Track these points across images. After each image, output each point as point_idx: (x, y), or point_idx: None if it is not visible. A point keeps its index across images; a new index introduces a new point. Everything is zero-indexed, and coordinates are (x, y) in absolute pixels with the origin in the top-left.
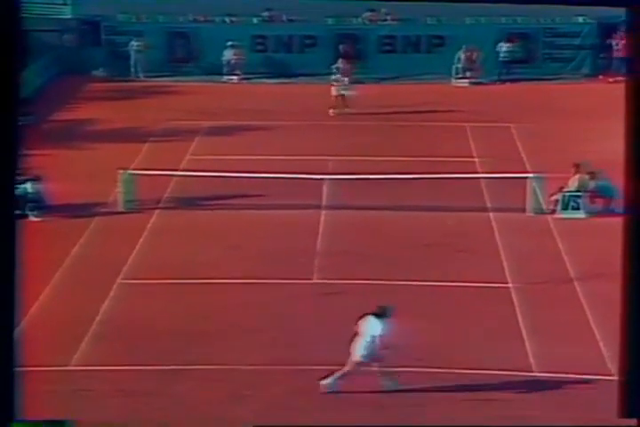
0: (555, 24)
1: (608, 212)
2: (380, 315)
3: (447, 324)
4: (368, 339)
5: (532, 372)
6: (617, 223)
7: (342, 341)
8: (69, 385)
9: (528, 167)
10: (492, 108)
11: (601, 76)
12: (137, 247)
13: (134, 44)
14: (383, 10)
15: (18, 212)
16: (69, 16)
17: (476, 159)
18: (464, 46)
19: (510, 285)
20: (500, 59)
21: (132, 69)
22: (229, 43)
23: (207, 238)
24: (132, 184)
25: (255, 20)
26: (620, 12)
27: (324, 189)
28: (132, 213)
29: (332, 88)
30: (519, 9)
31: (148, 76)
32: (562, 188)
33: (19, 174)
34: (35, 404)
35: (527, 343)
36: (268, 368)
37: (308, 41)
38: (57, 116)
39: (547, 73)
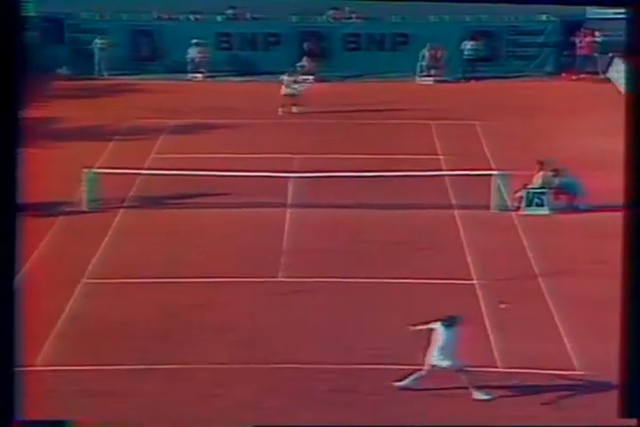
0: (518, 22)
1: (572, 208)
2: (449, 323)
3: (414, 320)
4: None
5: (497, 367)
6: (580, 219)
7: (307, 339)
8: (34, 385)
9: (492, 164)
10: (456, 105)
11: (564, 74)
12: (101, 247)
13: (98, 42)
14: (347, 8)
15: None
16: (32, 13)
17: (441, 157)
18: (428, 44)
19: (475, 281)
20: (465, 57)
21: (96, 68)
22: (194, 41)
23: (172, 237)
24: (96, 183)
25: (219, 18)
26: (582, 11)
27: (290, 187)
28: (97, 212)
29: (282, 87)
30: (483, 7)
31: (112, 75)
32: (526, 185)
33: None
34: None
35: (492, 339)
36: (237, 367)
37: (272, 39)
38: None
39: (511, 71)
